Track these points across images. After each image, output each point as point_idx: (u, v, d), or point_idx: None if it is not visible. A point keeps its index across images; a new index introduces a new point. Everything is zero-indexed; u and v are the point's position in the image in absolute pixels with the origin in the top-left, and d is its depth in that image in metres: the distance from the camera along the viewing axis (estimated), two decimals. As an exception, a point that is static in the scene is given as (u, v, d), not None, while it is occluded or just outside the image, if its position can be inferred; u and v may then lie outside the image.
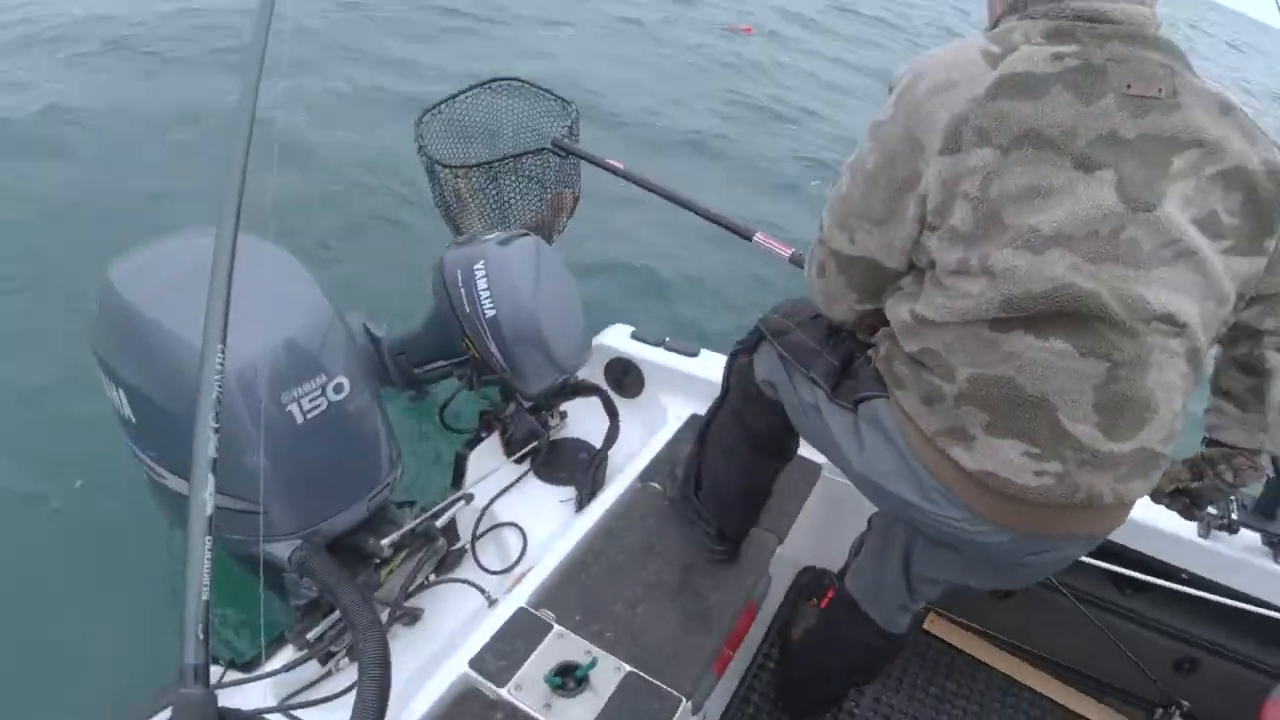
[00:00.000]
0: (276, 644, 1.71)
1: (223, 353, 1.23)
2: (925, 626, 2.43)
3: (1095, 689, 2.32)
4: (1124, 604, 2.15)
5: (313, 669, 1.74)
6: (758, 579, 1.94)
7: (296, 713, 1.59)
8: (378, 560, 1.83)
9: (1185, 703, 2.16)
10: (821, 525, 2.28)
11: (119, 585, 2.46)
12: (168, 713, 1.32)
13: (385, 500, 1.86)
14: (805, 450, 2.28)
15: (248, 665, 1.67)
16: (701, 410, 2.39)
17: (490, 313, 2.03)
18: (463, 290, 2.04)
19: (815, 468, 2.25)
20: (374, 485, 1.80)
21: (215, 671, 1.62)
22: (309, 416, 1.62)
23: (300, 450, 1.63)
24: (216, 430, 1.17)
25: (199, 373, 1.21)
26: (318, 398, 1.63)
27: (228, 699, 1.61)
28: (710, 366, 2.47)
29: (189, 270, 1.65)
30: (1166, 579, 2.03)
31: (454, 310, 2.07)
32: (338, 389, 1.67)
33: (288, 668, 1.65)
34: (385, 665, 1.55)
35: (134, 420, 1.61)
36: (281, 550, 1.70)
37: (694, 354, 2.52)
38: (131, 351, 1.56)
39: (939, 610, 2.47)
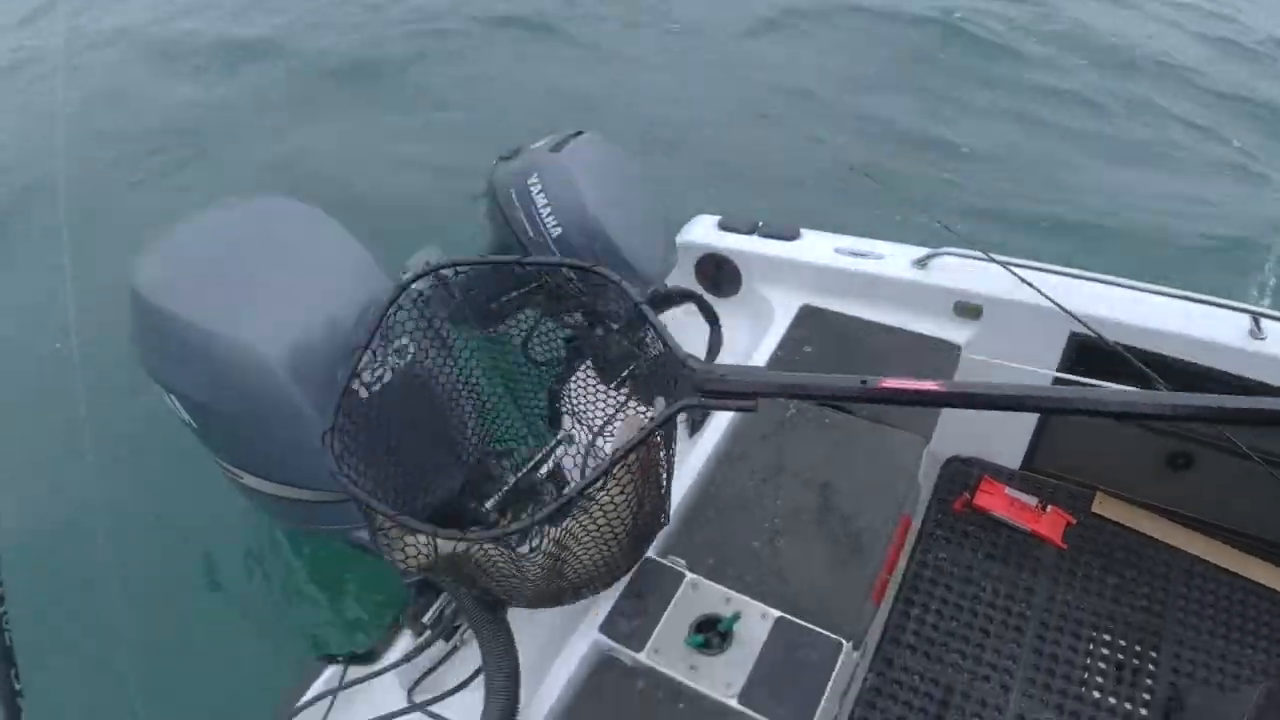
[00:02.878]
0: (393, 630, 1.63)
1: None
2: (1094, 509, 2.17)
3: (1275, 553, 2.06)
4: None
5: (436, 649, 1.66)
6: (908, 489, 1.72)
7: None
8: (487, 524, 1.71)
9: None
10: (969, 411, 2.02)
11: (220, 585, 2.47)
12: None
13: (480, 458, 1.72)
14: (941, 330, 2.04)
15: (367, 657, 1.60)
16: (813, 300, 2.15)
17: (555, 231, 1.81)
18: (520, 212, 1.83)
19: (954, 349, 1.98)
20: (463, 448, 1.66)
21: (335, 670, 1.56)
22: (373, 390, 1.47)
23: (373, 427, 1.49)
24: None
25: None
26: (379, 368, 1.47)
27: (353, 698, 1.58)
28: (815, 248, 2.19)
29: (217, 256, 1.50)
30: None
31: (515, 235, 1.86)
32: (400, 353, 1.51)
33: (409, 657, 1.57)
34: (509, 650, 1.44)
35: (194, 425, 1.50)
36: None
37: (794, 237, 2.24)
38: (173, 357, 1.44)
39: (1106, 488, 2.21)
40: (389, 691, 1.57)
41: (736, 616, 1.50)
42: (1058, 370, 2.04)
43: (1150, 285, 1.97)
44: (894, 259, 2.13)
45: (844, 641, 1.47)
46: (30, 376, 3.16)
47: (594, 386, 2.13)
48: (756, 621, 1.50)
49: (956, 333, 2.04)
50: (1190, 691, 1.80)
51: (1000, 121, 5.13)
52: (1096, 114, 5.32)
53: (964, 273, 2.06)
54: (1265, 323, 1.84)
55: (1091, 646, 1.93)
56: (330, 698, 1.54)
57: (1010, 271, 1.91)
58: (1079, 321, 1.81)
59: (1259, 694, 1.14)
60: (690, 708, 1.41)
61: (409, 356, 1.51)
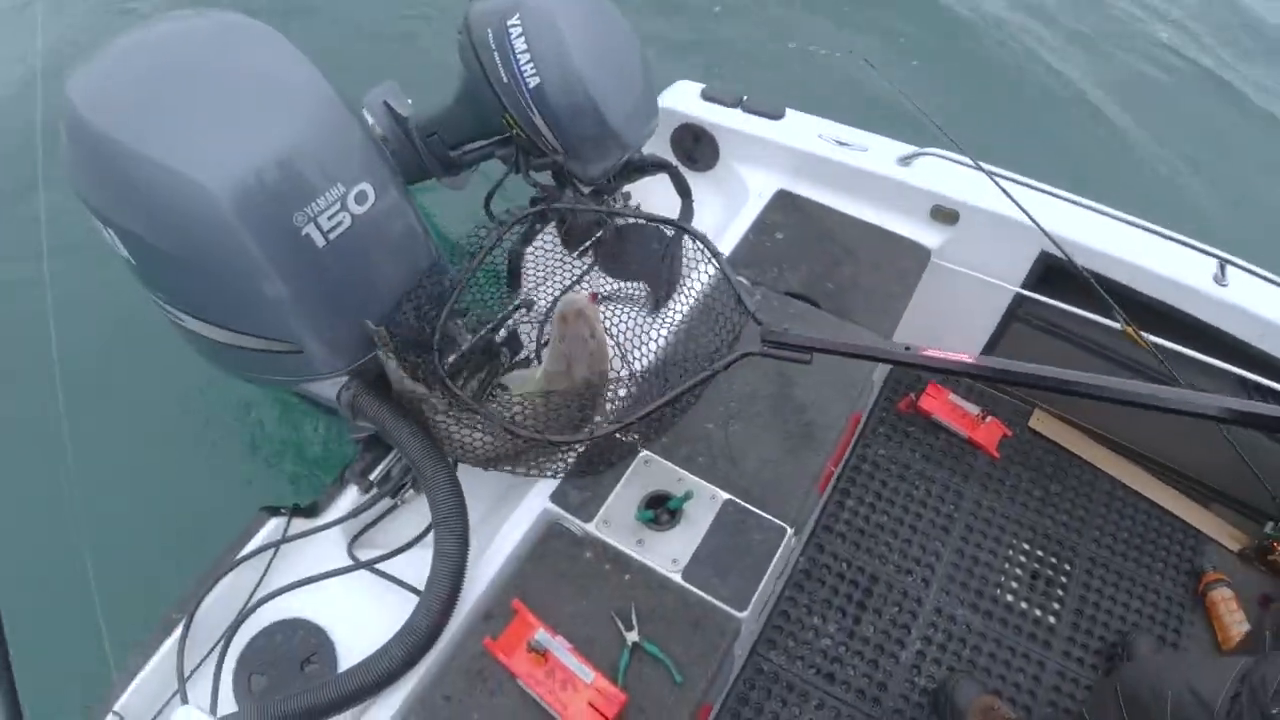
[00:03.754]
0: (338, 486, 1.62)
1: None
2: (1031, 424, 2.26)
3: (1203, 495, 2.18)
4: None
5: (380, 506, 1.66)
6: (863, 386, 1.75)
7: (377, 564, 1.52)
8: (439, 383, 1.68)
9: None
10: (929, 314, 2.04)
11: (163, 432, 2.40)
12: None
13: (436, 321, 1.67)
14: (915, 232, 2.02)
15: (311, 510, 1.59)
16: (788, 185, 2.10)
17: (533, 81, 1.69)
18: (496, 54, 1.69)
19: (924, 253, 1.97)
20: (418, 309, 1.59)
21: (278, 522, 1.55)
22: (331, 237, 1.38)
23: (327, 277, 1.40)
24: None
25: None
26: (337, 213, 1.38)
27: (295, 551, 1.58)
28: (798, 131, 2.11)
29: (164, 72, 1.35)
30: None
31: (489, 80, 1.73)
32: (360, 198, 1.41)
33: (354, 512, 1.56)
34: (460, 514, 1.44)
35: (132, 262, 1.39)
36: (328, 390, 1.55)
37: (778, 116, 2.15)
38: (112, 187, 1.30)
39: (1045, 406, 2.29)
40: (332, 547, 1.57)
41: (688, 495, 1.53)
42: (1022, 287, 2.06)
43: (1125, 215, 1.97)
44: (878, 153, 2.07)
45: (787, 528, 1.51)
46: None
47: (557, 252, 2.07)
48: (705, 502, 1.53)
49: (930, 236, 2.03)
50: (1138, 641, 1.92)
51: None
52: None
53: (946, 177, 2.02)
54: (1230, 270, 1.87)
55: (1010, 553, 2.05)
56: (272, 550, 1.54)
57: (993, 181, 1.88)
58: (1052, 241, 1.81)
59: (1240, 668, 1.20)
60: (635, 579, 1.45)
61: (369, 203, 1.42)
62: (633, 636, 1.37)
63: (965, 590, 1.97)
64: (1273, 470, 1.95)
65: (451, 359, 1.65)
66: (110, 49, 1.34)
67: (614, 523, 1.50)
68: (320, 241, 1.36)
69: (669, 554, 1.47)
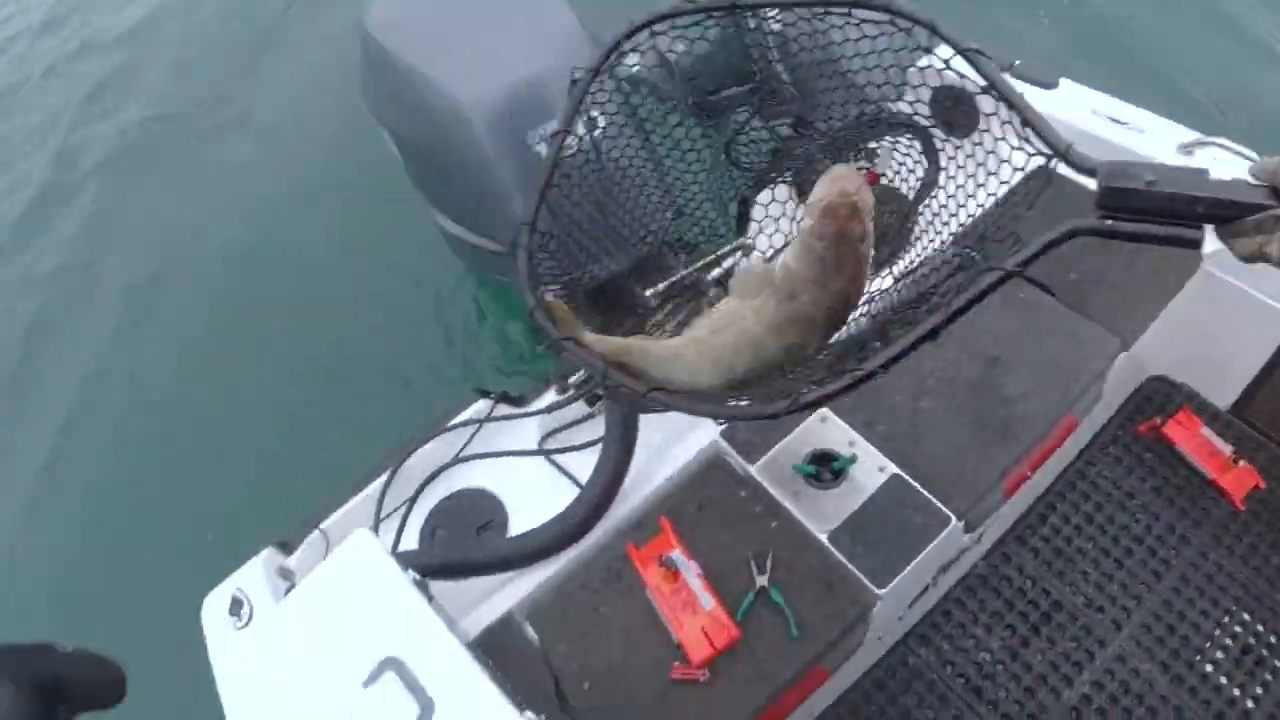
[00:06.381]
0: (544, 385, 1.85)
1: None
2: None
3: None
4: None
5: (579, 409, 1.87)
6: (1083, 390, 1.66)
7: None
8: (643, 311, 1.84)
9: None
10: (1190, 329, 1.86)
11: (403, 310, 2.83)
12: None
13: (655, 248, 1.83)
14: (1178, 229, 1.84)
15: (517, 400, 1.83)
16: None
17: (776, 24, 1.76)
18: (747, -4, 1.77)
19: (1194, 256, 1.79)
20: (638, 231, 1.76)
21: (486, 404, 1.81)
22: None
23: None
24: None
25: None
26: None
27: (493, 431, 1.83)
28: (1072, 103, 1.98)
29: (442, 5, 1.63)
30: None
31: (736, 21, 1.83)
32: (589, 124, 1.59)
33: (550, 409, 1.78)
34: (630, 425, 1.60)
35: (402, 160, 1.71)
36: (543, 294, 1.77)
37: (1052, 85, 2.03)
38: (389, 96, 1.62)
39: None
40: (526, 435, 1.81)
41: (854, 459, 1.57)
42: None
43: None
44: (1157, 135, 1.89)
45: (953, 517, 1.51)
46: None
47: (785, 203, 2.14)
48: (872, 471, 1.57)
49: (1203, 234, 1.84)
50: None
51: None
52: None
53: (1232, 173, 1.81)
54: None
55: (1226, 620, 1.84)
56: (476, 426, 1.81)
57: None
58: None
59: None
60: (781, 529, 1.54)
61: (598, 130, 1.59)
62: (762, 580, 1.47)
63: (1160, 646, 1.81)
64: None
65: (661, 286, 1.81)
66: None
67: (775, 469, 1.59)
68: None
69: (821, 513, 1.54)
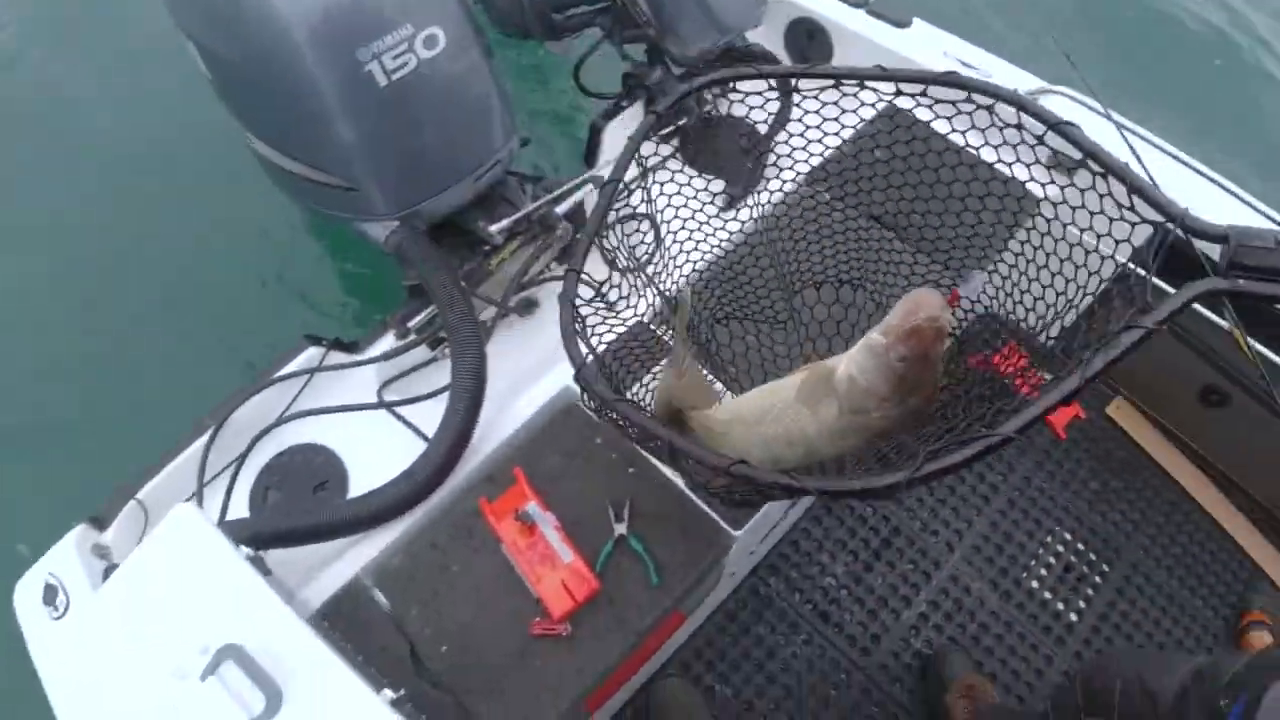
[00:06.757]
0: (380, 328, 1.72)
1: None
2: (1109, 411, 2.16)
3: (1275, 529, 2.06)
4: None
5: (420, 354, 1.75)
6: None
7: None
8: (488, 247, 1.74)
9: None
10: (1021, 269, 1.95)
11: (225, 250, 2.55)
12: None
13: (499, 177, 1.71)
14: (1020, 173, 1.91)
15: (351, 346, 1.70)
16: (905, 102, 1.99)
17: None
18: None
19: (1031, 200, 1.86)
20: (482, 160, 1.63)
21: (318, 351, 1.66)
22: (394, 77, 1.43)
23: (387, 119, 1.46)
24: None
25: None
26: (403, 54, 1.42)
27: (327, 381, 1.70)
28: (923, 43, 2.00)
29: None
30: None
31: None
32: (429, 42, 1.45)
33: (387, 355, 1.66)
34: (477, 375, 1.52)
35: (211, 78, 1.49)
36: (378, 231, 1.63)
37: (905, 24, 2.04)
38: (195, 3, 1.40)
39: (1128, 395, 2.17)
40: (364, 385, 1.68)
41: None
42: (1130, 261, 1.93)
43: (1270, 210, 1.80)
44: (1003, 82, 1.93)
45: None
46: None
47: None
48: None
49: (1041, 185, 1.92)
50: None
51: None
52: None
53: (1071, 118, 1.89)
54: None
55: (1049, 539, 2.00)
56: (307, 376, 1.66)
57: (1122, 136, 1.75)
58: (1170, 217, 1.68)
59: (1194, 664, 1.17)
60: (639, 474, 1.50)
61: (439, 47, 1.45)
62: (620, 529, 1.44)
63: (989, 565, 1.96)
64: None
65: (507, 222, 1.70)
66: None
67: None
68: (382, 80, 1.42)
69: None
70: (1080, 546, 2.00)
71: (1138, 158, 1.70)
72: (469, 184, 1.64)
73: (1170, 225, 0.90)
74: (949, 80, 1.06)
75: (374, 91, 1.40)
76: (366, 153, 1.47)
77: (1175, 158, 1.83)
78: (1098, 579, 1.97)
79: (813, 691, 1.82)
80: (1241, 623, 1.96)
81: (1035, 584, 1.95)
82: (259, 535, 1.31)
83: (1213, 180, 1.81)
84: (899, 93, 1.10)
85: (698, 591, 1.51)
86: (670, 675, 1.79)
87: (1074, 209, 1.07)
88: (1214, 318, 1.79)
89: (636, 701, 1.76)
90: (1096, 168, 0.98)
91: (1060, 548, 1.99)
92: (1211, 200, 1.78)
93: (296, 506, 1.54)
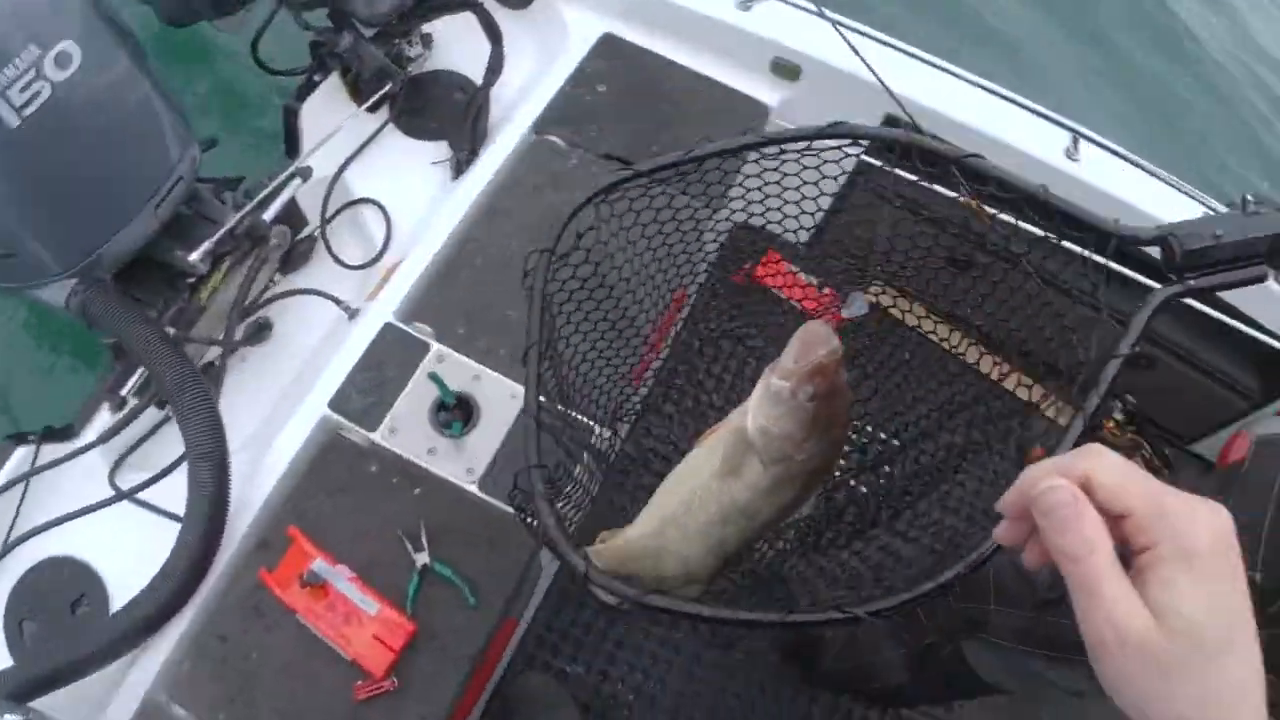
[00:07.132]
0: (92, 403, 1.48)
1: None
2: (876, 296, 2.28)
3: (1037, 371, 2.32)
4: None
5: (149, 418, 1.53)
6: (694, 265, 1.70)
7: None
8: (193, 279, 1.51)
9: (1130, 398, 2.13)
10: (766, 180, 2.00)
11: None
12: None
13: (186, 194, 1.47)
14: (753, 87, 1.92)
15: (64, 433, 1.45)
16: (616, 29, 1.93)
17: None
18: None
19: (763, 110, 1.88)
20: (159, 182, 1.39)
21: (27, 451, 1.42)
22: (27, 113, 1.18)
23: (29, 162, 1.21)
24: None
25: None
26: (32, 81, 1.17)
27: (51, 479, 1.44)
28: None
29: None
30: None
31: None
32: (62, 61, 1.20)
33: (107, 435, 1.43)
34: (214, 434, 1.33)
35: None
36: (57, 295, 1.37)
37: (522, 5, 1.96)
38: None
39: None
40: (92, 471, 1.46)
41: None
42: (865, 152, 2.02)
43: (981, 80, 1.92)
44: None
45: (597, 427, 1.49)
46: None
47: (342, 108, 1.86)
48: (505, 400, 1.47)
49: (768, 93, 1.94)
50: None
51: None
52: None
53: (789, 26, 1.91)
54: (1083, 145, 1.86)
55: (854, 436, 2.11)
56: (23, 483, 1.42)
57: (838, 31, 1.78)
58: (899, 105, 1.75)
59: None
60: (426, 494, 1.40)
61: (73, 67, 1.21)
62: (422, 558, 1.35)
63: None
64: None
65: (209, 244, 1.48)
66: None
67: (402, 430, 1.43)
68: (13, 121, 1.17)
69: (464, 463, 1.42)
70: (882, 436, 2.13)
71: (855, 51, 1.73)
72: (150, 213, 1.39)
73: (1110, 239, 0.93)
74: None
75: (6, 135, 1.15)
76: (15, 208, 1.22)
77: (897, 48, 1.90)
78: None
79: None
80: (1026, 461, 2.17)
81: (837, 472, 2.06)
82: (26, 684, 1.12)
83: (933, 64, 1.90)
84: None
85: (522, 595, 1.46)
86: (520, 672, 1.76)
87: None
88: (949, 193, 1.91)
89: (492, 708, 1.71)
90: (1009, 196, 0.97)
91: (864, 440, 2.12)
92: (941, 86, 1.88)
93: (57, 637, 1.33)
